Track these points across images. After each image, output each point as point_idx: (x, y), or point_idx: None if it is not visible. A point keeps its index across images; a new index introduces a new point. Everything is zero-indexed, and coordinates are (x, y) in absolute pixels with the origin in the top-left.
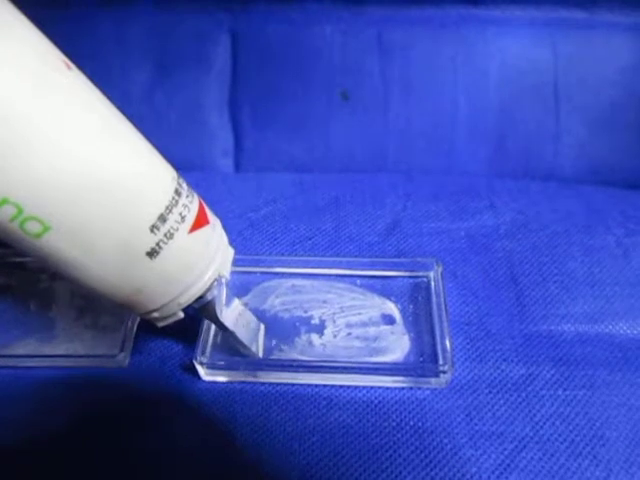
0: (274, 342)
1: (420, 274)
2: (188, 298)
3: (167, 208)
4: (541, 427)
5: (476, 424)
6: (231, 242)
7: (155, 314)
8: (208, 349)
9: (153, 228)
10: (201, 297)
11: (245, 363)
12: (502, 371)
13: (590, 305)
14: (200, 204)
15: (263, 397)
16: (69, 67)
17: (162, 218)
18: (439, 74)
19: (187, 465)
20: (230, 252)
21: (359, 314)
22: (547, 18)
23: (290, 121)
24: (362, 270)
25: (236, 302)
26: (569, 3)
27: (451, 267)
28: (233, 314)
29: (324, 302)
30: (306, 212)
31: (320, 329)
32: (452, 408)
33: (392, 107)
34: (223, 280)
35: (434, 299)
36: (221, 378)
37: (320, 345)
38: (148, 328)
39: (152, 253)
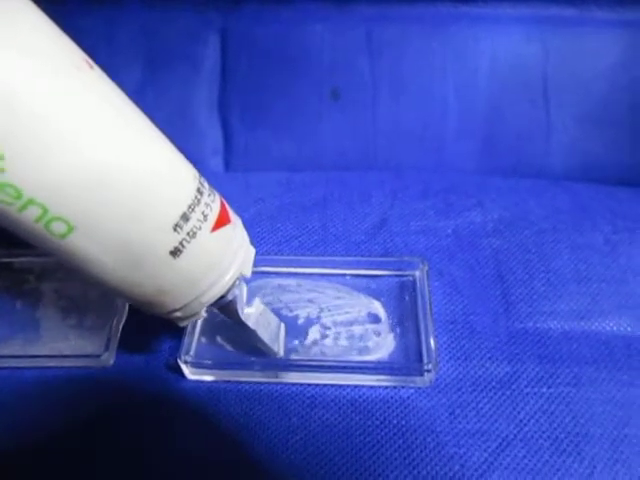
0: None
1: (406, 273)
2: (211, 297)
3: (190, 207)
4: (525, 425)
5: (460, 422)
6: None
7: (178, 313)
8: (193, 348)
9: (176, 227)
10: (223, 296)
11: (230, 362)
12: (487, 369)
13: (576, 302)
14: (222, 203)
15: (248, 396)
16: (91, 66)
17: (185, 217)
18: (429, 72)
19: (171, 464)
20: (251, 251)
21: (345, 313)
22: (537, 15)
23: (280, 120)
24: (348, 269)
25: (257, 301)
26: (559, 0)
27: (437, 265)
28: (254, 313)
29: (310, 301)
30: (293, 211)
31: (306, 328)
32: (436, 406)
33: (382, 105)
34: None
35: (419, 298)
36: (206, 377)
37: (306, 344)
38: (133, 328)
39: (175, 252)
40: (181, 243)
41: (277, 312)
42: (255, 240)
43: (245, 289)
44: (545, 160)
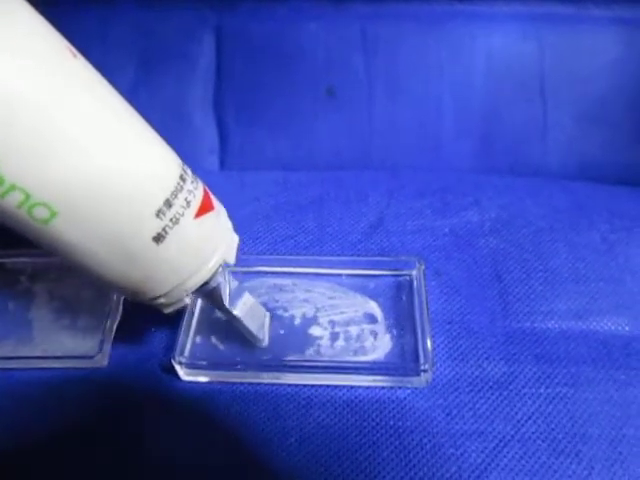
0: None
1: (402, 273)
2: (194, 283)
3: (172, 193)
4: (522, 425)
5: (457, 423)
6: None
7: (162, 300)
8: (187, 349)
9: (159, 213)
10: (207, 283)
11: (224, 363)
12: (483, 369)
13: (574, 302)
14: (205, 190)
15: (242, 397)
16: (74, 55)
17: (168, 203)
18: (425, 70)
19: (166, 466)
20: (235, 239)
21: (341, 313)
22: (533, 13)
23: (275, 118)
24: (344, 269)
25: (244, 291)
26: None
27: (434, 265)
28: (239, 302)
29: (306, 301)
30: (289, 210)
31: (301, 328)
32: (432, 407)
33: (377, 103)
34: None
35: (416, 298)
36: (200, 378)
37: (301, 344)
38: (127, 329)
39: (158, 238)
40: (164, 229)
41: (273, 312)
42: (250, 239)
43: (229, 277)
44: (542, 159)
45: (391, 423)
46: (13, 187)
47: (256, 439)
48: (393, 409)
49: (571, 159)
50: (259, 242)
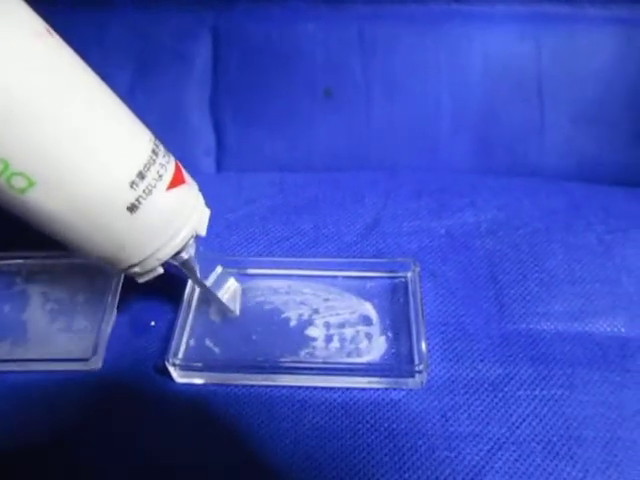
0: (250, 344)
1: (398, 275)
2: (166, 253)
3: (145, 166)
4: (517, 427)
5: (451, 425)
6: (208, 244)
7: (136, 269)
8: (181, 351)
9: (132, 184)
10: (179, 253)
11: (219, 365)
12: (479, 371)
13: (570, 303)
14: (177, 165)
15: (237, 399)
16: (50, 33)
17: (140, 175)
18: (422, 70)
19: (160, 467)
20: (206, 212)
21: (336, 315)
22: (530, 13)
23: (272, 119)
24: (339, 271)
25: (219, 266)
26: None
27: (430, 267)
28: (212, 273)
29: (301, 303)
30: (285, 212)
31: (297, 330)
32: (427, 409)
33: (375, 104)
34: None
35: (411, 300)
36: (194, 380)
37: (296, 346)
38: (122, 331)
39: (132, 208)
40: (138, 200)
41: (268, 314)
42: (246, 241)
43: (197, 247)
44: (539, 159)
45: (386, 425)
46: None
47: (251, 441)
48: (388, 411)
49: (568, 159)
50: (255, 244)
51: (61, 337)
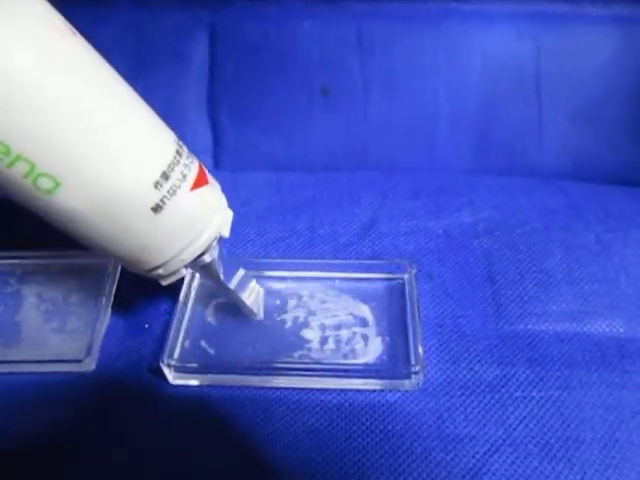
0: (245, 345)
1: (394, 276)
2: (190, 254)
3: (169, 166)
4: (514, 429)
5: (447, 427)
6: None
7: (160, 270)
8: (176, 352)
9: (157, 184)
10: (202, 255)
11: (214, 366)
12: (475, 372)
13: (568, 303)
14: (200, 166)
15: (232, 400)
16: (74, 33)
17: (165, 175)
18: (420, 69)
19: (154, 469)
20: (229, 214)
21: (332, 317)
22: (529, 12)
23: (269, 118)
24: (336, 272)
25: (241, 269)
26: None
27: (427, 267)
28: (235, 276)
29: (297, 305)
30: (281, 212)
31: (293, 332)
32: (423, 411)
33: (373, 103)
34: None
35: (408, 301)
36: (189, 381)
37: (292, 348)
38: (117, 332)
39: (156, 208)
40: (162, 200)
41: (264, 316)
42: (243, 242)
43: (222, 250)
44: (538, 158)
45: (381, 427)
46: (19, 157)
47: (245, 442)
48: (383, 412)
49: (567, 158)
50: (251, 245)
51: (54, 338)
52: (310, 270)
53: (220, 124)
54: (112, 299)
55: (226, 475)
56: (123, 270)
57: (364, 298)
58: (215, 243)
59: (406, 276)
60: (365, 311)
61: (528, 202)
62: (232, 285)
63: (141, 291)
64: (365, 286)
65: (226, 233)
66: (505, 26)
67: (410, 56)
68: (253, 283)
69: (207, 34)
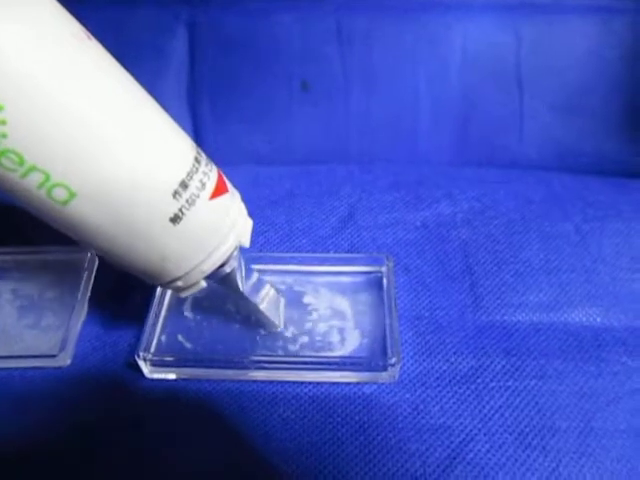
0: (221, 339)
1: (371, 269)
2: (211, 265)
3: (188, 175)
4: (490, 419)
5: (423, 418)
6: None
7: (179, 283)
8: (153, 346)
9: (175, 194)
10: (222, 266)
11: (190, 360)
12: (451, 364)
13: (545, 293)
14: (219, 173)
15: (207, 394)
16: (89, 38)
17: (183, 184)
18: (400, 61)
19: (129, 465)
20: (249, 222)
21: (310, 310)
22: (509, 3)
23: (250, 113)
24: (313, 266)
25: (255, 274)
26: None
27: (404, 260)
28: (254, 286)
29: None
30: (259, 206)
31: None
32: (399, 402)
33: (353, 96)
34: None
35: (385, 294)
36: (165, 375)
37: (269, 341)
38: (94, 327)
39: (175, 219)
40: (181, 210)
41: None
42: None
43: (243, 261)
44: (519, 149)
45: (357, 419)
46: (33, 167)
47: (221, 435)
48: (359, 404)
49: (548, 149)
50: None
51: (29, 334)
52: (288, 264)
53: (201, 120)
54: (89, 294)
55: (202, 467)
56: (100, 265)
57: (342, 291)
58: (235, 253)
59: (384, 269)
60: (343, 304)
61: (507, 193)
62: (253, 297)
63: (118, 286)
64: (343, 279)
65: (247, 243)
66: (485, 17)
67: (390, 48)
68: (266, 288)
69: (186, 29)
